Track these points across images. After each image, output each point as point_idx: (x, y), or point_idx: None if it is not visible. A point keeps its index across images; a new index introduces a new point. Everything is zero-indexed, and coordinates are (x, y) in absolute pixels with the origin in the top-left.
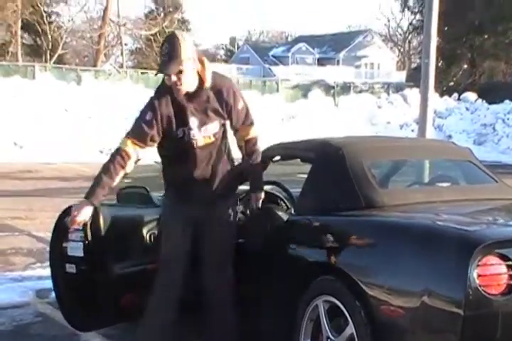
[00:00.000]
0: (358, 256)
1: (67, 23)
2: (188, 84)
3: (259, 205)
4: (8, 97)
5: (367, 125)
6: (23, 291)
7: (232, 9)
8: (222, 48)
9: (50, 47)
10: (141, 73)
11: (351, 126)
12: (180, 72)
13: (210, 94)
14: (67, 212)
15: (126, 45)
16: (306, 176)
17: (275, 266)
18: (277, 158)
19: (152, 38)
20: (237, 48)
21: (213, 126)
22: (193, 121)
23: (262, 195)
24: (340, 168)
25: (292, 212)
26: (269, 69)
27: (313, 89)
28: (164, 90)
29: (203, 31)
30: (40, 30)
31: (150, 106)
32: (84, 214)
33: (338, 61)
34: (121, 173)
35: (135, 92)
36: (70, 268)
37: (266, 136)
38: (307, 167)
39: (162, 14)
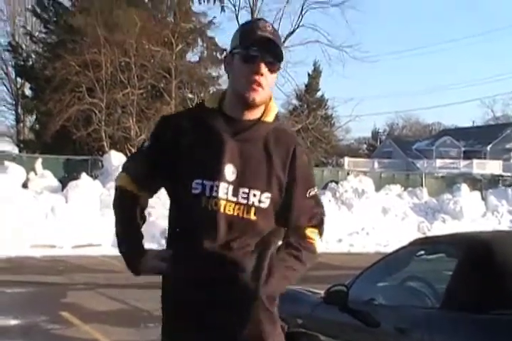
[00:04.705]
0: None
1: None
2: (263, 97)
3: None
4: None
5: None
6: None
7: (374, 105)
8: (365, 143)
9: None
10: None
11: (500, 221)
12: (274, 70)
13: (270, 138)
14: None
15: None
16: (451, 273)
17: None
18: (421, 252)
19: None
20: (380, 142)
21: (260, 197)
22: (228, 171)
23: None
24: (490, 264)
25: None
26: (412, 162)
27: (458, 183)
28: (196, 111)
29: (344, 126)
30: None
31: (156, 128)
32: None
33: (485, 154)
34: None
35: None
36: None
37: (409, 230)
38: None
39: (306, 111)
